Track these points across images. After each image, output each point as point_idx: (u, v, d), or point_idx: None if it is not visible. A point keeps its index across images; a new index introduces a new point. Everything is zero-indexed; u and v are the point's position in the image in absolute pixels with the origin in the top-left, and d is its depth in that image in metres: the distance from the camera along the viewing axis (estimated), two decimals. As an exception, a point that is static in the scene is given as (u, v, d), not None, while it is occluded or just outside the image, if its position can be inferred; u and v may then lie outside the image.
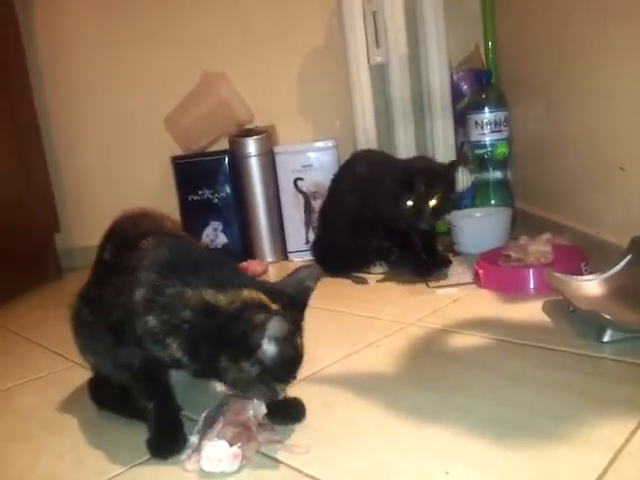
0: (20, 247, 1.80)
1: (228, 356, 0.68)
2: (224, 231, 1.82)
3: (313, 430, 0.75)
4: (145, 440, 0.73)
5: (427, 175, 1.32)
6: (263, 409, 0.74)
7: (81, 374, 1.02)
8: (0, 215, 1.70)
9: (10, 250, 1.72)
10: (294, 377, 0.73)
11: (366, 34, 1.72)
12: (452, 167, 1.39)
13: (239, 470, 0.67)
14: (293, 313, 0.72)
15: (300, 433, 0.74)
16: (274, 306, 0.71)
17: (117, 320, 0.75)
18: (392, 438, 0.71)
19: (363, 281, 1.45)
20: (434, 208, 1.33)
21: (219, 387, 0.86)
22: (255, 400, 0.74)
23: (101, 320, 0.80)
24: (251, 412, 0.72)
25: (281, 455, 0.70)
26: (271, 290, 0.73)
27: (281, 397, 0.74)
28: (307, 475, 0.65)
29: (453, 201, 1.43)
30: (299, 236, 1.80)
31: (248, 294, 0.71)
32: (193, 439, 0.72)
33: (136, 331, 0.72)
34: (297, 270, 0.78)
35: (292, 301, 0.74)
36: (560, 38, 1.38)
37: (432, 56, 1.71)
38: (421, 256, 1.42)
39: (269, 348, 0.68)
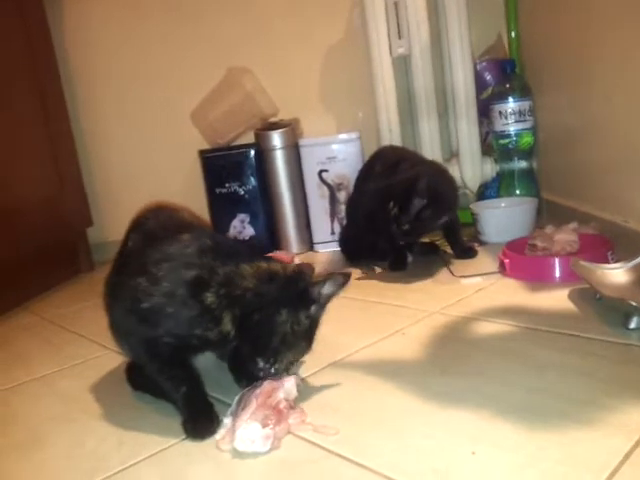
0: (54, 241, 1.85)
1: (288, 309, 0.78)
2: (251, 223, 1.85)
3: (342, 413, 0.77)
4: (181, 422, 0.76)
5: (401, 193, 1.31)
6: (294, 392, 0.76)
7: (116, 360, 1.07)
8: (35, 211, 1.75)
9: (45, 244, 1.77)
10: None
11: (388, 25, 1.73)
12: (428, 177, 1.30)
13: (271, 450, 0.70)
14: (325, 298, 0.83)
15: (329, 415, 0.76)
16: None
17: (151, 307, 0.77)
18: (419, 421, 0.72)
19: (367, 276, 1.46)
20: (412, 226, 1.32)
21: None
22: (286, 384, 0.77)
23: (126, 306, 0.82)
24: (282, 395, 0.75)
25: (311, 436, 0.72)
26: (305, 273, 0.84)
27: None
28: (337, 455, 0.67)
29: (441, 209, 1.36)
30: (324, 227, 1.82)
31: (296, 265, 0.84)
32: (226, 421, 0.75)
33: (180, 315, 0.75)
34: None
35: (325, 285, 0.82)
36: (585, 25, 1.37)
37: (455, 46, 1.70)
38: (404, 252, 1.45)
39: (316, 307, 0.81)
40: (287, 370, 0.81)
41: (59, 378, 1.07)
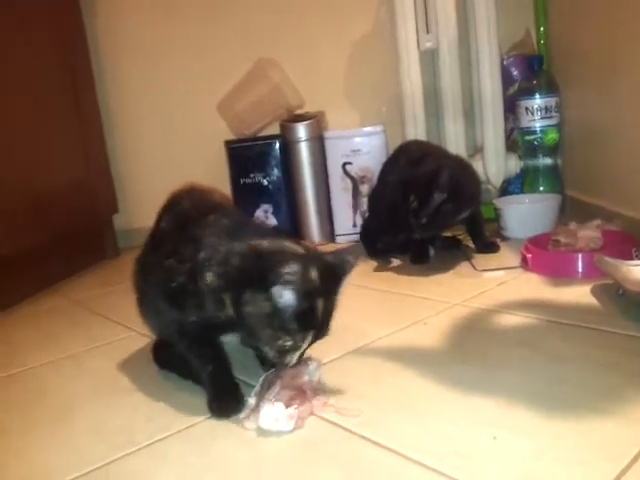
0: (81, 227, 1.89)
1: (251, 289, 0.72)
2: (274, 214, 1.87)
3: (364, 397, 0.79)
4: (206, 401, 0.79)
5: (422, 186, 1.31)
6: (318, 375, 0.78)
7: (142, 341, 1.10)
8: (63, 197, 1.79)
9: (72, 230, 1.81)
10: (301, 335, 0.73)
11: (416, 20, 1.73)
12: (450, 172, 1.30)
13: (294, 430, 0.72)
14: (326, 279, 0.74)
15: (352, 399, 0.77)
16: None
17: (179, 285, 0.79)
18: (439, 407, 0.74)
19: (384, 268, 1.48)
20: (431, 220, 1.31)
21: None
22: (310, 367, 0.78)
23: (159, 285, 0.84)
24: (306, 377, 0.77)
25: (333, 417, 0.74)
26: (309, 252, 0.77)
27: (290, 363, 0.75)
28: (359, 435, 0.69)
29: (462, 204, 1.36)
30: (346, 219, 1.83)
31: (289, 244, 0.76)
32: (251, 400, 0.76)
33: (199, 293, 0.76)
34: (341, 248, 0.84)
35: (328, 268, 0.75)
36: (615, 21, 1.37)
37: (482, 42, 1.70)
38: (425, 246, 1.46)
39: (282, 290, 0.70)
40: (299, 358, 0.76)
41: (87, 357, 1.10)
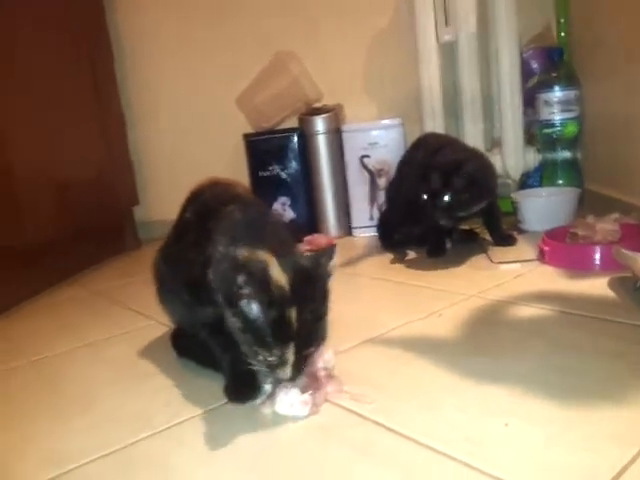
0: (102, 219, 1.92)
1: (225, 303, 0.72)
2: (292, 206, 1.89)
3: (378, 384, 0.79)
4: (223, 386, 0.80)
5: (442, 170, 1.30)
6: (332, 362, 0.79)
7: (160, 330, 1.12)
8: (84, 189, 1.82)
9: (93, 222, 1.85)
10: (279, 349, 0.69)
11: (435, 12, 1.73)
12: (469, 162, 1.31)
13: (309, 416, 0.73)
14: (299, 286, 0.70)
15: (366, 386, 0.78)
16: (278, 275, 0.69)
17: (196, 276, 0.80)
18: (452, 395, 0.74)
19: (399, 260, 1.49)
20: (450, 204, 1.30)
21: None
22: (325, 355, 0.79)
23: (179, 276, 0.86)
24: (321, 364, 0.78)
25: (348, 403, 0.75)
26: (284, 257, 0.72)
27: (285, 377, 0.71)
28: (373, 421, 0.70)
29: (479, 195, 1.35)
30: (364, 212, 1.84)
31: (260, 254, 0.71)
32: (267, 387, 0.78)
33: (208, 287, 0.77)
34: (321, 250, 0.79)
35: (301, 274, 0.71)
36: (637, 13, 1.35)
37: (502, 34, 1.68)
38: (442, 238, 1.46)
39: (247, 303, 0.68)
40: (296, 371, 0.71)
41: (107, 345, 1.13)
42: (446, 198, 1.29)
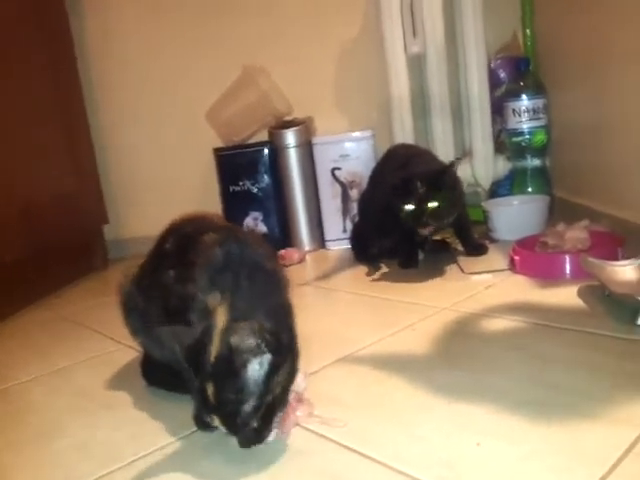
0: (70, 238, 1.88)
1: None
2: (264, 221, 1.87)
3: (350, 406, 0.78)
4: (192, 414, 0.78)
5: (427, 178, 1.31)
6: (303, 385, 0.77)
7: (130, 355, 1.09)
8: (52, 209, 1.78)
9: (61, 242, 1.81)
10: (224, 418, 0.66)
11: (403, 24, 1.74)
12: (449, 168, 1.35)
13: (279, 441, 0.71)
14: (222, 364, 0.66)
15: (337, 409, 0.77)
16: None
17: (174, 307, 0.78)
18: (426, 414, 0.73)
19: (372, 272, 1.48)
20: (432, 211, 1.30)
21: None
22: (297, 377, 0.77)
23: (156, 306, 0.84)
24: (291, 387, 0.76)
25: (319, 428, 0.73)
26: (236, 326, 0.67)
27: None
28: (344, 447, 0.68)
29: (457, 202, 1.38)
30: (336, 225, 1.83)
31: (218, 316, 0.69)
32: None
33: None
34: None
35: (223, 356, 0.66)
36: (600, 23, 1.37)
37: (469, 45, 1.70)
38: (415, 250, 1.47)
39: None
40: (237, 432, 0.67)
41: (75, 372, 1.10)
42: (433, 204, 1.30)
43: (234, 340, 0.65)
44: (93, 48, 2.12)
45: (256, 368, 0.65)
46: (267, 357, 0.65)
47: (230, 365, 0.64)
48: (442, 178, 1.31)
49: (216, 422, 0.67)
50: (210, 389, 0.65)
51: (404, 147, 1.65)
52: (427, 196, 1.30)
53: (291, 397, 0.75)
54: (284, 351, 0.68)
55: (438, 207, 1.30)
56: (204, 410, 0.68)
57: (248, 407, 0.65)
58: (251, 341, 0.65)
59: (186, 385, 0.78)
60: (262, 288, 0.74)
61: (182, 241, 0.84)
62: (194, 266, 0.75)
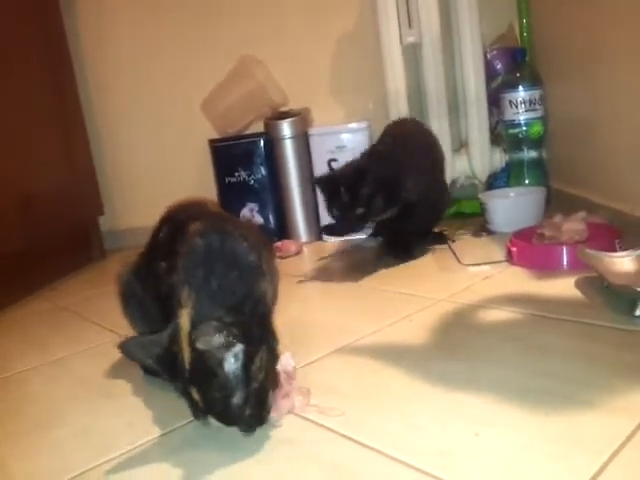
0: (66, 230, 1.88)
1: None
2: (260, 212, 1.86)
3: (347, 395, 0.78)
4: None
5: (348, 184, 1.31)
6: (291, 363, 0.78)
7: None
8: (48, 200, 1.78)
9: (57, 233, 1.80)
10: (217, 416, 0.67)
11: (398, 14, 1.73)
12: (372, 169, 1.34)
13: (276, 430, 0.71)
14: (199, 367, 0.67)
15: (334, 399, 0.77)
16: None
17: (165, 296, 0.78)
18: (423, 404, 0.73)
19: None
20: (364, 214, 1.32)
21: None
22: (282, 358, 0.78)
23: (152, 295, 0.84)
24: (279, 367, 0.76)
25: (316, 417, 0.73)
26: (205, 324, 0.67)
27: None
28: (342, 435, 0.68)
29: (392, 196, 1.38)
30: (333, 216, 1.82)
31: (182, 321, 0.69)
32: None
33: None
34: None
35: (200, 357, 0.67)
36: (596, 14, 1.37)
37: (465, 36, 1.69)
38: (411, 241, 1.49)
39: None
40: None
41: (72, 362, 1.10)
42: (358, 211, 1.31)
43: (200, 345, 0.65)
44: (87, 41, 2.11)
45: (232, 362, 0.65)
46: (239, 348, 0.65)
47: (206, 367, 0.65)
48: (363, 181, 1.29)
49: (213, 421, 0.68)
50: (195, 394, 0.66)
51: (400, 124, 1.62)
52: (352, 205, 1.30)
53: (282, 378, 0.75)
54: (255, 339, 0.69)
55: (365, 211, 1.30)
56: (197, 413, 0.69)
57: (237, 400, 0.65)
58: (219, 339, 0.65)
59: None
60: (235, 282, 0.73)
61: (173, 230, 0.84)
62: (178, 255, 0.75)
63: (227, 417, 0.67)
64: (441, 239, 1.54)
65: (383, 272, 1.39)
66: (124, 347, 0.70)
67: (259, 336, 0.70)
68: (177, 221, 0.85)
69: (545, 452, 0.60)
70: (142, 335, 0.71)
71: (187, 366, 0.66)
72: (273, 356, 0.73)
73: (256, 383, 0.67)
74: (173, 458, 0.70)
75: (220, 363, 0.65)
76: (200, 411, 0.68)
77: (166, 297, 0.75)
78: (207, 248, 0.74)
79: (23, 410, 0.92)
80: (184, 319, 0.69)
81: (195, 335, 0.66)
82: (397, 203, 1.39)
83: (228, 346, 0.65)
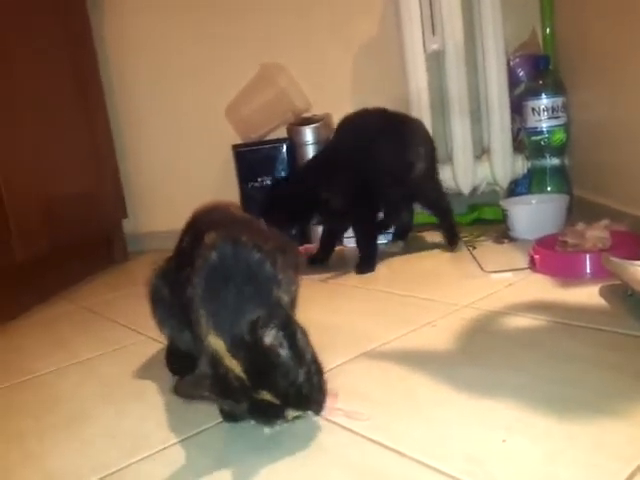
0: (90, 232, 1.91)
1: None
2: (282, 217, 1.87)
3: (373, 400, 0.79)
4: (219, 409, 0.79)
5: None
6: None
7: (153, 346, 1.11)
8: (74, 203, 1.81)
9: (82, 235, 1.84)
10: (296, 403, 0.68)
11: (422, 22, 1.74)
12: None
13: (304, 432, 0.72)
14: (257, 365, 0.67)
15: (360, 403, 0.78)
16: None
17: (185, 304, 0.78)
18: (449, 410, 0.74)
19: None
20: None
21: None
22: None
23: (177, 300, 0.85)
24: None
25: (343, 421, 0.74)
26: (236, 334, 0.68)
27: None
28: (370, 440, 0.69)
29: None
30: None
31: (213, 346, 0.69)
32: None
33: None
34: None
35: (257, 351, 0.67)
36: (623, 20, 1.36)
37: (488, 43, 1.70)
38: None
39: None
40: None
41: (99, 362, 1.12)
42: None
43: (268, 339, 0.66)
44: (112, 46, 2.14)
45: (285, 346, 0.67)
46: (281, 334, 0.67)
47: (265, 364, 0.66)
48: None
49: (290, 416, 0.68)
50: (267, 395, 0.66)
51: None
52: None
53: None
54: (289, 319, 0.70)
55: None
56: (271, 419, 0.69)
57: (302, 377, 0.67)
58: (271, 332, 0.66)
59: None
60: (250, 292, 0.72)
61: (193, 238, 0.84)
62: (193, 268, 0.75)
63: (302, 398, 0.67)
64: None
65: (406, 277, 1.39)
66: (178, 391, 0.71)
67: (289, 317, 0.72)
68: (197, 229, 0.85)
69: (573, 460, 0.60)
70: (187, 377, 0.71)
71: (244, 377, 0.66)
72: (305, 334, 0.72)
73: (309, 355, 0.69)
74: (202, 460, 0.71)
75: (277, 353, 0.66)
76: (278, 411, 0.67)
77: (185, 306, 0.76)
78: (220, 262, 0.74)
79: (52, 409, 0.93)
80: (214, 342, 0.68)
81: (258, 335, 0.66)
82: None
83: (275, 335, 0.66)
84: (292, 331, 0.68)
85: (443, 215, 1.57)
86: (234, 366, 0.66)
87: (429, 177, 1.57)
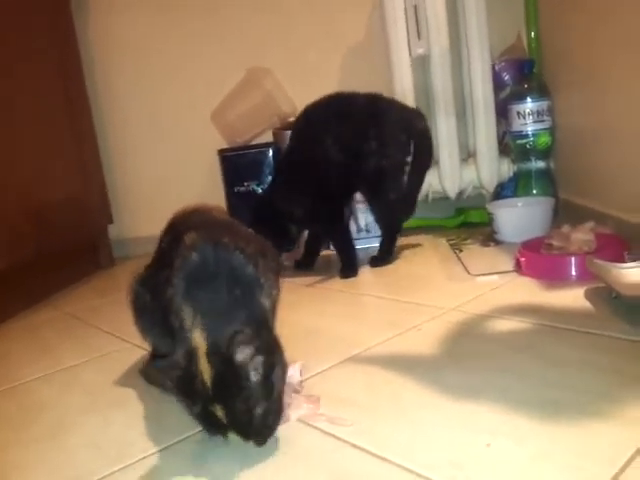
0: (76, 238, 1.89)
1: None
2: (268, 221, 1.87)
3: (357, 405, 0.79)
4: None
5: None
6: (297, 377, 0.78)
7: (136, 353, 1.09)
8: (59, 209, 1.80)
9: (67, 241, 1.82)
10: (241, 429, 0.67)
11: (407, 26, 1.74)
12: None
13: (286, 438, 0.71)
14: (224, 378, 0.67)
15: (343, 407, 0.77)
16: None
17: (164, 307, 0.77)
18: (434, 414, 0.74)
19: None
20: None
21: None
22: (290, 369, 0.77)
23: (159, 305, 0.84)
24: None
25: (325, 426, 0.73)
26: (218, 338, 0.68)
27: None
28: (353, 445, 0.69)
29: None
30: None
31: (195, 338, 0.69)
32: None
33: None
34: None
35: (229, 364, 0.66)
36: (605, 26, 1.38)
37: (473, 47, 1.71)
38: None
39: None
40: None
41: (83, 370, 1.10)
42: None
43: (239, 356, 0.65)
44: (97, 50, 2.13)
45: (257, 373, 0.66)
46: (261, 359, 0.66)
47: (233, 381, 0.65)
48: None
49: (231, 436, 0.68)
50: (219, 411, 0.66)
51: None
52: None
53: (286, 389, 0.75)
54: (272, 349, 0.69)
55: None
56: (216, 431, 0.69)
57: (259, 410, 0.66)
58: (246, 351, 0.65)
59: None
60: (237, 296, 0.72)
61: (172, 240, 0.82)
62: (172, 268, 0.74)
63: (250, 429, 0.67)
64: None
65: (391, 281, 1.39)
66: (144, 373, 0.70)
67: (275, 346, 0.71)
68: (177, 230, 0.84)
69: (557, 463, 0.60)
70: (159, 360, 0.70)
71: (208, 383, 0.66)
72: (284, 365, 0.73)
73: (276, 393, 0.67)
74: (185, 467, 0.70)
75: (247, 375, 0.65)
76: (222, 428, 0.68)
77: (165, 308, 0.75)
78: (201, 262, 0.73)
79: (35, 418, 0.92)
80: (198, 339, 0.68)
81: (232, 348, 0.65)
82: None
83: (254, 358, 0.65)
84: (272, 362, 0.68)
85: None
86: (205, 370, 0.66)
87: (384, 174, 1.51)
